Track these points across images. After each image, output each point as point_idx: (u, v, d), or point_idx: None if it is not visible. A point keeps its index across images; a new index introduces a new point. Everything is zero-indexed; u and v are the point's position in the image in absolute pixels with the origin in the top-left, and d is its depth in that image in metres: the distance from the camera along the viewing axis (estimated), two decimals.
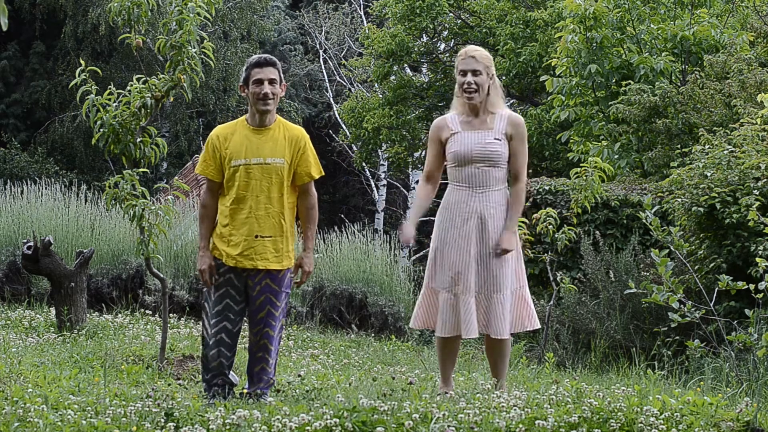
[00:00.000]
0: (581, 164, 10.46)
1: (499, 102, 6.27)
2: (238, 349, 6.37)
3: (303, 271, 6.27)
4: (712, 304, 7.78)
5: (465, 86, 6.16)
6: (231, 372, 6.28)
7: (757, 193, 9.35)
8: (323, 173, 6.40)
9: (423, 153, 26.52)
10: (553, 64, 16.43)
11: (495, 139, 6.15)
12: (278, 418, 4.76)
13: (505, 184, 6.25)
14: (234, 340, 6.19)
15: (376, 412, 4.90)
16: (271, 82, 6.13)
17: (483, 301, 6.13)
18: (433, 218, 6.51)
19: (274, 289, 6.15)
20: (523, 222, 9.67)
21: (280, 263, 6.15)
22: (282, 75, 6.23)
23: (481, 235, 6.12)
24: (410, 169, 28.06)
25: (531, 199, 12.60)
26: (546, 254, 10.63)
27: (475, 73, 6.16)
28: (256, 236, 6.09)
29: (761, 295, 7.17)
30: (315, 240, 6.52)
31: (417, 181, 28.83)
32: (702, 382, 7.66)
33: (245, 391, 6.24)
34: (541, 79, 17.36)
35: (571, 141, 16.37)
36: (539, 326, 6.42)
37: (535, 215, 10.30)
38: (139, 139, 7.58)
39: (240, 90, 6.27)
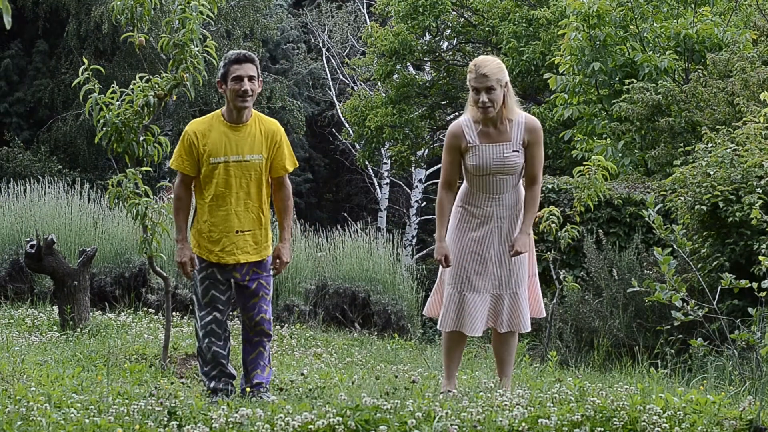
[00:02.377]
0: (584, 162, 10.45)
1: (515, 107, 6.20)
2: (232, 345, 6.41)
3: (281, 261, 6.29)
4: (715, 303, 7.78)
5: (480, 105, 6.02)
6: (229, 364, 6.33)
7: (760, 192, 9.35)
8: (297, 165, 6.41)
9: (426, 152, 26.51)
10: (556, 62, 16.42)
11: (513, 151, 6.08)
12: (281, 417, 4.75)
13: (520, 182, 6.24)
14: (223, 329, 6.26)
15: (379, 410, 4.90)
16: (251, 78, 6.12)
17: (507, 299, 6.16)
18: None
19: (262, 274, 6.27)
20: None
21: (260, 254, 6.24)
22: (260, 71, 6.23)
23: (499, 237, 6.14)
24: (413, 168, 28.05)
25: None
26: (549, 253, 10.62)
27: (488, 90, 6.00)
28: (237, 231, 6.16)
29: (764, 293, 7.17)
30: (292, 230, 6.53)
31: (420, 180, 28.82)
32: (705, 381, 7.66)
33: (248, 389, 6.25)
34: (544, 78, 17.35)
35: (575, 139, 16.36)
36: (544, 314, 6.46)
37: (538, 213, 10.29)
38: (142, 138, 7.58)
39: (217, 86, 6.25)
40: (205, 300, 6.24)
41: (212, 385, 6.27)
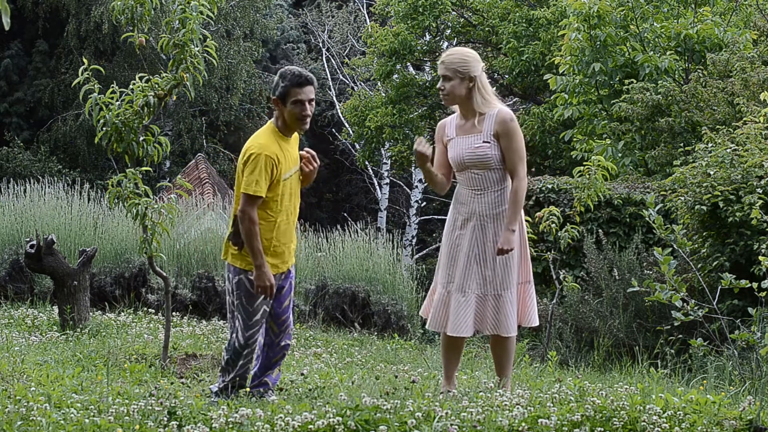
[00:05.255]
0: (584, 163, 10.44)
1: (489, 102, 6.20)
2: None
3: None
4: (715, 303, 7.78)
5: (439, 92, 6.24)
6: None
7: (760, 192, 9.35)
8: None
9: None
10: (556, 62, 16.43)
11: (484, 142, 6.14)
12: (281, 417, 4.76)
13: (507, 182, 6.22)
14: (258, 347, 6.29)
15: (379, 410, 4.91)
16: (311, 101, 6.09)
17: (491, 300, 6.15)
18: (437, 217, 6.54)
19: (291, 274, 6.32)
20: (526, 220, 9.66)
21: (293, 258, 6.35)
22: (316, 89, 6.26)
23: (482, 236, 6.15)
24: (413, 168, 28.06)
25: (534, 198, 12.60)
26: (549, 253, 10.61)
27: (444, 79, 6.17)
28: (291, 241, 6.26)
29: (764, 293, 7.17)
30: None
31: (420, 180, 28.83)
32: (705, 381, 7.67)
33: (248, 389, 6.21)
34: (544, 78, 17.35)
35: (574, 139, 16.37)
36: (537, 323, 6.42)
37: (538, 214, 10.29)
38: (141, 138, 7.58)
39: (273, 102, 6.10)
40: (256, 317, 6.10)
41: (222, 395, 6.20)
